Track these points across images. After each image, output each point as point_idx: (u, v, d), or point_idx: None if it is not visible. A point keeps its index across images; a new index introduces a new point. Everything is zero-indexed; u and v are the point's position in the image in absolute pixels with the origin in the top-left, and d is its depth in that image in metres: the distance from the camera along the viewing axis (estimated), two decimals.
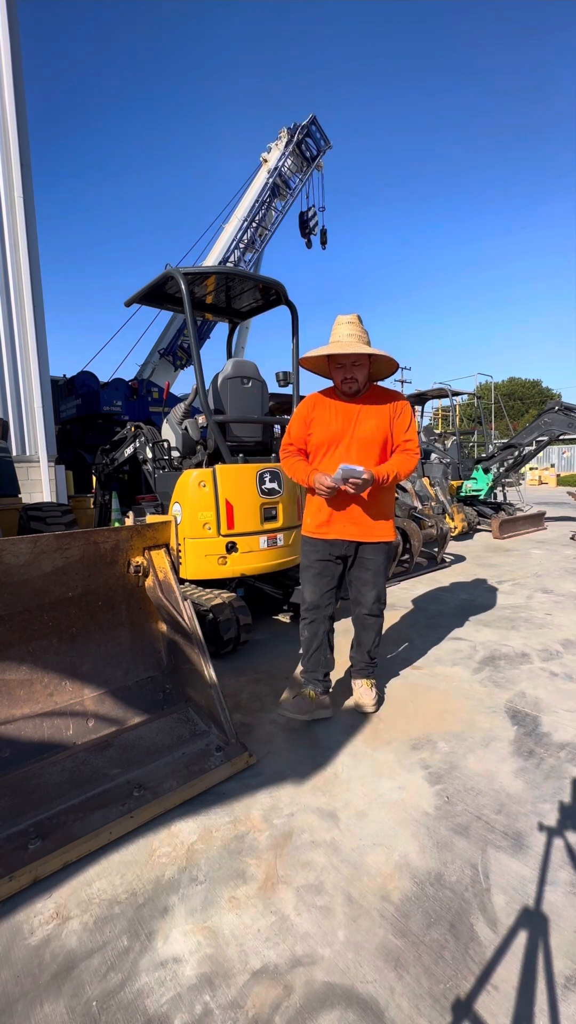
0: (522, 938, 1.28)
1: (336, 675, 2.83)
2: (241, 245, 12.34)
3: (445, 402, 14.16)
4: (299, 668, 2.54)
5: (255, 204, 12.46)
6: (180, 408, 3.75)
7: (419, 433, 8.44)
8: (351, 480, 2.09)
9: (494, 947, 1.26)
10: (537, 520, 8.80)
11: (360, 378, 2.25)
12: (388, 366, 2.33)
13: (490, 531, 8.20)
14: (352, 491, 2.12)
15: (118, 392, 10.39)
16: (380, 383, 2.43)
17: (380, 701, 2.50)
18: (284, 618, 3.91)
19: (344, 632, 2.96)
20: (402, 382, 30.47)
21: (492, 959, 1.23)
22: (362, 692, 2.46)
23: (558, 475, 26.82)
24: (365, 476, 2.07)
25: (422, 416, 10.69)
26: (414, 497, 6.26)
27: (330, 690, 2.51)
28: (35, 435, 6.37)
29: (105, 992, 1.16)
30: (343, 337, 2.21)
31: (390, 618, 3.90)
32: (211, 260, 12.14)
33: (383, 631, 2.56)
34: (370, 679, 2.51)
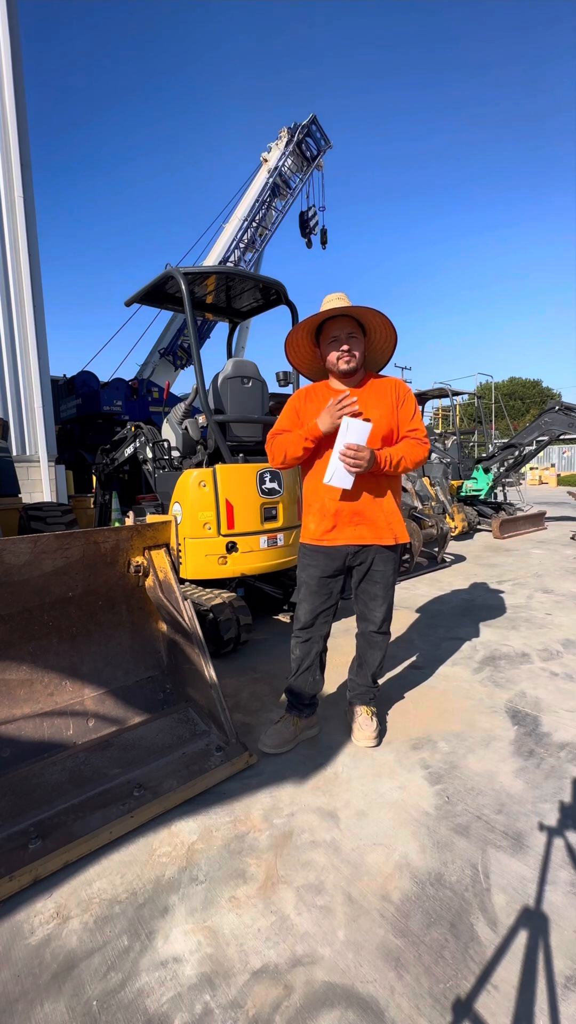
0: (522, 938, 1.28)
1: (335, 679, 2.83)
2: (241, 245, 12.34)
3: (445, 402, 14.17)
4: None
5: (255, 204, 12.47)
6: (180, 408, 3.76)
7: None
8: (348, 444, 1.84)
9: (494, 947, 1.26)
10: (537, 520, 8.80)
11: (359, 354, 1.99)
12: (384, 348, 2.11)
13: (490, 531, 8.20)
14: (350, 462, 1.85)
15: (118, 392, 10.38)
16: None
17: (382, 733, 2.21)
18: (284, 618, 3.91)
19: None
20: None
21: (492, 959, 1.22)
22: (362, 723, 2.18)
23: (558, 475, 26.83)
24: (367, 440, 1.84)
25: (422, 416, 10.67)
26: (414, 497, 6.26)
27: (316, 709, 2.26)
28: (35, 435, 6.38)
29: (105, 991, 1.16)
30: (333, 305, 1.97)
31: None
32: (211, 260, 12.14)
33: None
34: (371, 707, 2.24)
